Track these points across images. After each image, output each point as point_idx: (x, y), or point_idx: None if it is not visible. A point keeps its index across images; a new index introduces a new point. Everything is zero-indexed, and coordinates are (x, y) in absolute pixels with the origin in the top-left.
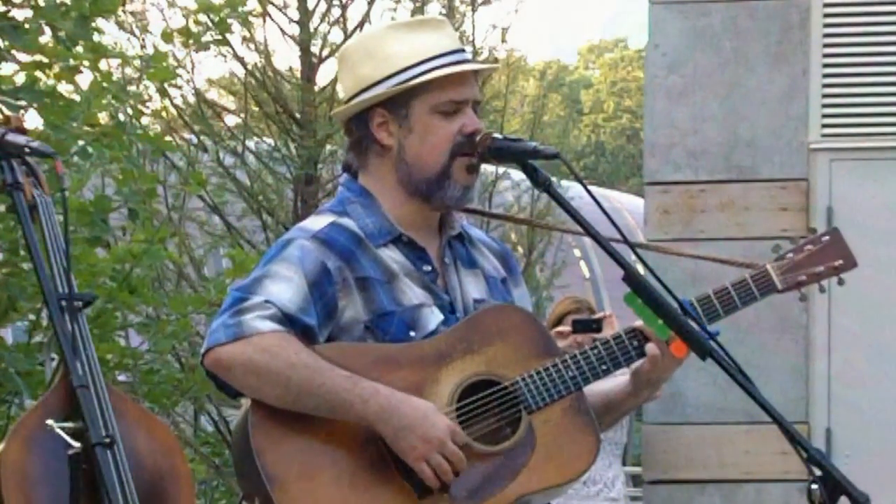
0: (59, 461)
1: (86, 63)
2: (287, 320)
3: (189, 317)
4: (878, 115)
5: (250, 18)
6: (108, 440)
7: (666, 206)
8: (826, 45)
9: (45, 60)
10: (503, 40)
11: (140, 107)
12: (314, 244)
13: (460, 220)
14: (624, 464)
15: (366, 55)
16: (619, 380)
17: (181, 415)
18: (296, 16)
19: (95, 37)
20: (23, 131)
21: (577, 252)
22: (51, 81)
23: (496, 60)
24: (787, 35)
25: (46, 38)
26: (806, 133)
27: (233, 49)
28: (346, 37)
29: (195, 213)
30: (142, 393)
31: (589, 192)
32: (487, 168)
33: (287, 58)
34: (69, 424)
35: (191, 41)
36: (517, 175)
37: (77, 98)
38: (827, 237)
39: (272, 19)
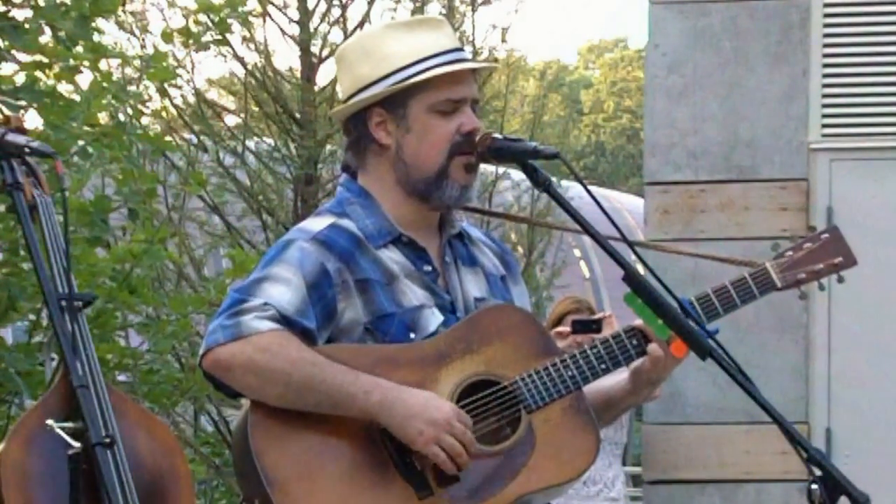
0: (59, 461)
1: (86, 63)
2: (286, 322)
3: (189, 317)
4: (878, 115)
5: (250, 18)
6: (108, 440)
7: (666, 206)
8: (826, 45)
9: (45, 60)
10: (503, 40)
11: (140, 107)
12: (314, 246)
13: (460, 219)
14: (624, 464)
15: (364, 55)
16: (618, 377)
17: (181, 415)
18: (296, 16)
19: (95, 37)
20: (23, 131)
21: (577, 252)
22: (51, 81)
23: (496, 60)
24: (787, 35)
25: (46, 38)
26: (806, 133)
27: (233, 49)
28: (346, 37)
29: (195, 213)
30: (142, 393)
31: (589, 192)
32: (487, 168)
33: (287, 58)
34: (69, 424)
35: (191, 41)
36: (517, 175)
37: (77, 98)
38: (826, 235)
39: (272, 19)
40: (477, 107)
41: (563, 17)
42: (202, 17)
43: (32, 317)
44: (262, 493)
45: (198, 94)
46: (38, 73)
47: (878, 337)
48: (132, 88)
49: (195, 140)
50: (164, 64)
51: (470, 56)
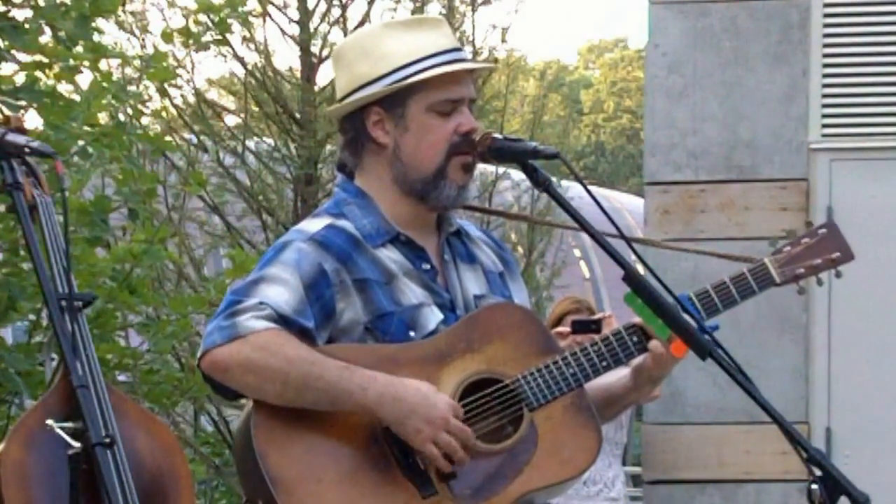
0: (59, 461)
1: (86, 63)
2: (282, 321)
3: (189, 317)
4: (878, 115)
5: (250, 18)
6: (108, 440)
7: (666, 206)
8: (826, 45)
9: (45, 60)
10: (503, 40)
11: (140, 107)
12: (311, 246)
13: (457, 217)
14: (624, 464)
15: (362, 53)
16: (619, 374)
17: (181, 415)
18: (296, 16)
19: (95, 37)
20: (23, 131)
21: (577, 252)
22: (51, 81)
23: (496, 60)
24: (787, 35)
25: (46, 38)
26: (806, 133)
27: (233, 49)
28: (346, 37)
29: (195, 213)
30: (142, 393)
31: (589, 192)
32: (487, 168)
33: (287, 58)
34: (69, 424)
35: (191, 41)
36: (517, 175)
37: (77, 98)
38: (824, 230)
39: (272, 19)
40: (473, 106)
41: (563, 17)
42: (202, 17)
43: (32, 317)
44: (267, 495)
45: (198, 94)
46: (38, 73)
47: (878, 337)
48: (132, 88)
49: (195, 140)
50: (164, 64)
51: (469, 56)
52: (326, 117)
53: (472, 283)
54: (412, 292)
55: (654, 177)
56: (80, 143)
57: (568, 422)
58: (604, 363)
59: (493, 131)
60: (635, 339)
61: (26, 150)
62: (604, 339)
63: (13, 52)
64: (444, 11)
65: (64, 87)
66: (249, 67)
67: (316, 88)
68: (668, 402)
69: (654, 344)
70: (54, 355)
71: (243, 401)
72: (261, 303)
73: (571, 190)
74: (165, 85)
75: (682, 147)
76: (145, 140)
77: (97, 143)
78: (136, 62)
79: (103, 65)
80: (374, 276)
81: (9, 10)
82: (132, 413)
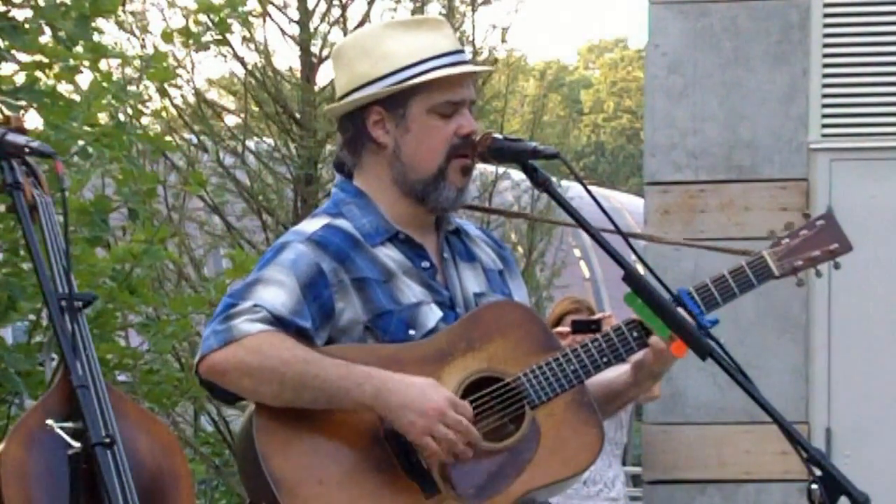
0: (59, 461)
1: (86, 63)
2: (278, 322)
3: (189, 317)
4: (878, 115)
5: (250, 18)
6: (107, 440)
7: (666, 206)
8: (826, 45)
9: (45, 60)
10: (503, 40)
11: (140, 107)
12: (308, 247)
13: (456, 217)
14: (624, 464)
15: (362, 53)
16: (620, 369)
17: (181, 415)
18: (296, 16)
19: (95, 37)
20: (23, 131)
21: (577, 252)
22: (51, 81)
23: (496, 60)
24: (787, 35)
25: (46, 38)
26: (806, 133)
27: (233, 49)
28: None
29: (195, 213)
30: (142, 393)
31: (589, 192)
32: (487, 168)
33: (287, 58)
34: (69, 424)
35: (191, 41)
36: (517, 175)
37: (77, 98)
38: (821, 221)
39: (272, 19)
40: (472, 107)
41: (563, 17)
42: (202, 17)
43: (32, 317)
44: (269, 496)
45: (198, 94)
46: (38, 73)
47: (878, 337)
48: (132, 88)
49: (195, 140)
50: (164, 64)
51: (470, 57)
52: (326, 117)
53: (471, 281)
54: (411, 291)
55: (654, 177)
56: (80, 143)
57: (570, 419)
58: (604, 359)
59: (493, 131)
60: (635, 334)
61: (26, 150)
62: (604, 336)
63: (13, 52)
64: (444, 11)
65: (64, 87)
66: (249, 67)
67: (316, 88)
68: (668, 402)
69: (654, 339)
70: (54, 355)
71: (244, 402)
72: (255, 305)
73: (571, 190)
74: (165, 85)
75: (682, 147)
76: (145, 140)
77: (97, 143)
78: (136, 62)
79: (103, 65)
80: (373, 275)
81: (9, 10)
82: (132, 413)
